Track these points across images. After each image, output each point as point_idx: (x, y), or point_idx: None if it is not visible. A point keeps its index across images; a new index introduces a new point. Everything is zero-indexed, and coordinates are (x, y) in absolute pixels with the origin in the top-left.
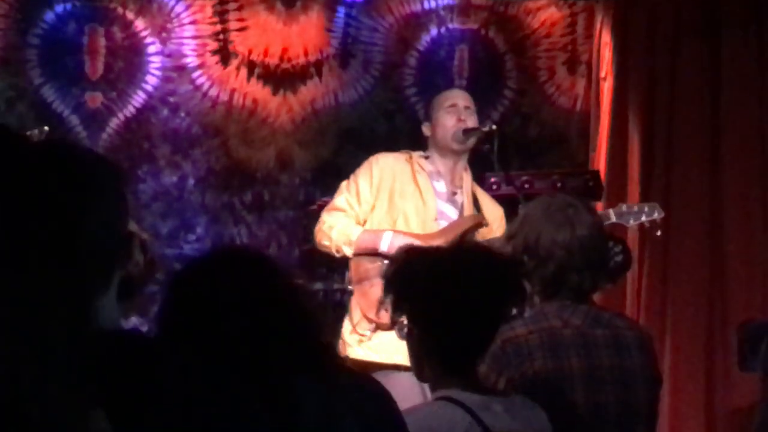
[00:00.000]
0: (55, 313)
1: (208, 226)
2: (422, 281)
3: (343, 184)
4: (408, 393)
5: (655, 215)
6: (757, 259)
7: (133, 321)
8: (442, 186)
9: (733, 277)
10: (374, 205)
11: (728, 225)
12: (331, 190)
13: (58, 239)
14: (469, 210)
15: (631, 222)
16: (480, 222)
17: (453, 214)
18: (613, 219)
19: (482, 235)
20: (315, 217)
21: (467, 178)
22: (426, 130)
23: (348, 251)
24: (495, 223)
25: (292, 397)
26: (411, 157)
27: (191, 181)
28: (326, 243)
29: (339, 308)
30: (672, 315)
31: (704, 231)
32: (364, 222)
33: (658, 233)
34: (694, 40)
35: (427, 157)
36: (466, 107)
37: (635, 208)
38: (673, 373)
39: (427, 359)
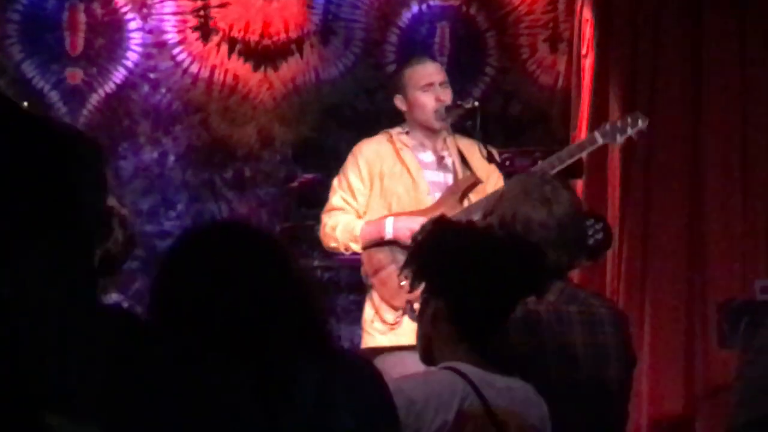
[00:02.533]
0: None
1: (189, 203)
2: (451, 251)
3: (335, 182)
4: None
5: (640, 124)
6: (737, 236)
7: (113, 297)
8: (428, 156)
9: (713, 255)
10: (369, 195)
11: (708, 203)
12: (312, 167)
13: (37, 215)
14: (459, 170)
15: (618, 138)
16: (475, 181)
17: (447, 179)
18: (600, 141)
19: (478, 192)
20: (295, 194)
21: (451, 139)
22: (400, 104)
23: (356, 247)
24: (489, 176)
25: (289, 378)
26: (391, 136)
27: (172, 158)
28: (333, 245)
29: (318, 285)
30: (651, 292)
31: (684, 209)
32: (364, 213)
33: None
34: (676, 18)
35: (407, 132)
36: (442, 83)
37: (618, 123)
38: (653, 351)
39: (438, 334)
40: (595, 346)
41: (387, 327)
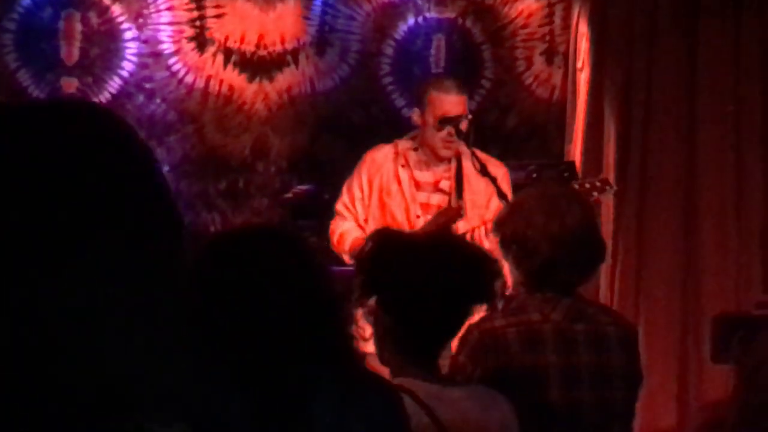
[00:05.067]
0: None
1: (183, 213)
2: (392, 264)
3: (345, 184)
4: None
5: (607, 189)
6: (731, 250)
7: None
8: (426, 176)
9: (707, 269)
10: (369, 204)
11: (703, 216)
12: (306, 178)
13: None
14: (453, 196)
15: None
16: (455, 214)
17: (442, 201)
18: None
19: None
20: (290, 205)
21: (454, 163)
22: (416, 118)
23: (347, 258)
24: (490, 199)
25: (307, 400)
26: (397, 152)
27: (166, 168)
28: (335, 250)
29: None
30: (645, 307)
31: (679, 222)
32: (365, 220)
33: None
34: (671, 31)
35: (415, 149)
36: (460, 116)
37: (587, 185)
38: (646, 366)
39: (388, 344)
40: (600, 366)
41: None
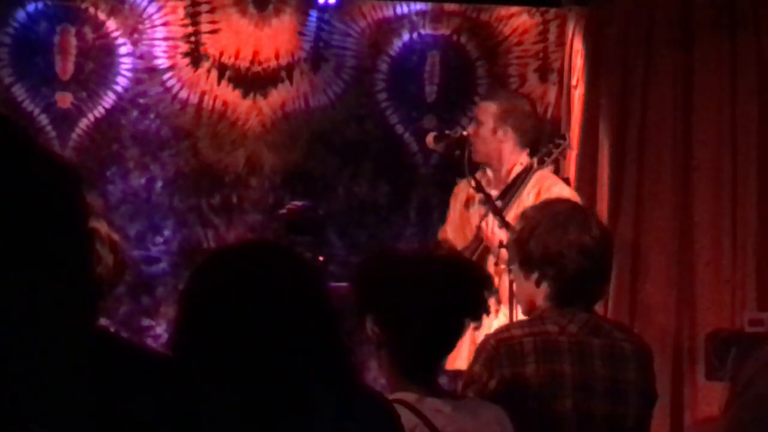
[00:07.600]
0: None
1: (176, 229)
2: (383, 281)
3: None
4: None
5: (565, 143)
6: (726, 267)
7: (100, 322)
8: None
9: (702, 285)
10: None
11: (698, 234)
12: (300, 194)
13: (22, 241)
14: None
15: (546, 161)
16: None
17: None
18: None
19: None
20: (284, 221)
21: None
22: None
23: None
24: None
25: (305, 411)
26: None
27: (160, 183)
28: None
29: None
30: (639, 323)
31: (674, 240)
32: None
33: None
34: (667, 48)
35: (483, 170)
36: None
37: (543, 150)
38: None
39: (386, 359)
40: (614, 381)
41: None
